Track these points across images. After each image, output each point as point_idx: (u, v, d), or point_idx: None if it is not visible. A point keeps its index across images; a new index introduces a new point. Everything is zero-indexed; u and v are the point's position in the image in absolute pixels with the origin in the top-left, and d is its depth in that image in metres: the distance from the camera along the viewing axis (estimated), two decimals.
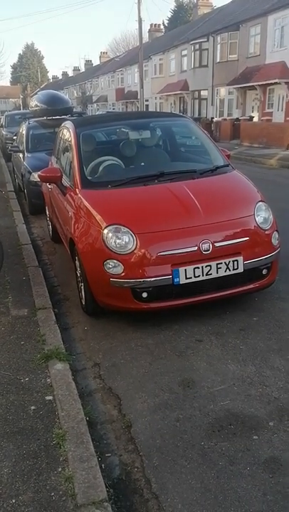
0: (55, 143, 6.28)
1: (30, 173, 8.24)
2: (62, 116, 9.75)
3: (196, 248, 3.71)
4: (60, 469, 2.38)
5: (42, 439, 2.60)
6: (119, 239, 3.74)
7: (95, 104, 51.68)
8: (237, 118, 25.05)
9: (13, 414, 2.81)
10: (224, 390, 3.07)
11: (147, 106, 37.17)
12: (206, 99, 30.38)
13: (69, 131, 5.08)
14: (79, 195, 4.31)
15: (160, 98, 37.52)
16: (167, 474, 2.44)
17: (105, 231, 3.78)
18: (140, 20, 28.10)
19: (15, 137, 13.47)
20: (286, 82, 21.96)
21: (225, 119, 26.23)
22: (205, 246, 3.72)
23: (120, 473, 2.50)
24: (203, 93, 30.79)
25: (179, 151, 5.45)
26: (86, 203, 4.15)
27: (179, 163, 5.06)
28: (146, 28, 46.20)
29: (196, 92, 31.57)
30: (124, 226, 3.77)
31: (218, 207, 4.05)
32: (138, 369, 3.39)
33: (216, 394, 3.03)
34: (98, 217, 3.94)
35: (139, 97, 32.59)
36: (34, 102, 10.42)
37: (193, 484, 2.36)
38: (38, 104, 9.97)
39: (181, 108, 34.27)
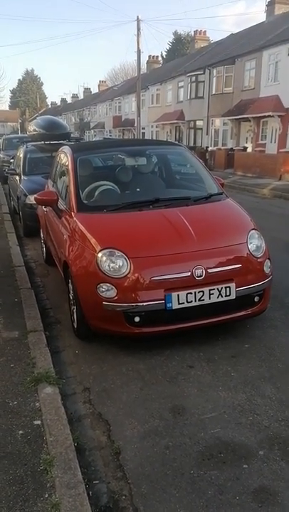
0: (52, 167, 6.35)
1: (26, 195, 8.30)
2: (60, 141, 9.91)
3: (189, 274, 3.73)
4: (46, 495, 2.32)
5: (29, 464, 2.55)
6: (113, 262, 3.76)
7: (92, 131, 52.48)
8: (231, 148, 25.51)
9: (0, 438, 2.76)
10: (215, 417, 3.04)
11: (144, 134, 37.77)
12: (202, 129, 30.96)
13: (66, 156, 5.16)
14: (74, 218, 4.35)
15: (156, 126, 38.20)
16: (156, 503, 2.40)
17: (99, 254, 3.80)
18: (139, 52, 28.82)
19: (12, 160, 13.63)
20: (279, 116, 22.49)
21: (219, 149, 26.70)
22: (198, 272, 3.74)
23: (108, 501, 2.45)
24: (199, 123, 31.40)
25: (174, 179, 5.53)
26: (81, 227, 4.18)
27: (174, 190, 5.13)
28: (144, 59, 47.30)
29: (192, 122, 32.18)
30: (118, 250, 3.79)
31: (211, 233, 4.09)
32: (128, 394, 3.36)
33: (207, 421, 3.00)
34: (93, 240, 3.97)
35: (136, 125, 33.17)
36: (33, 127, 10.58)
37: None
38: (37, 129, 10.11)
39: (177, 137, 34.85)
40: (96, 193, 4.77)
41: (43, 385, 3.31)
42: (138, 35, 28.11)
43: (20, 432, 2.82)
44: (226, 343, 4.04)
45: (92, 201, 4.61)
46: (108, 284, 3.71)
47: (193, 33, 42.45)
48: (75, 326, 4.23)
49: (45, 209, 5.70)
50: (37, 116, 65.58)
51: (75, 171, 4.75)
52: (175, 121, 33.76)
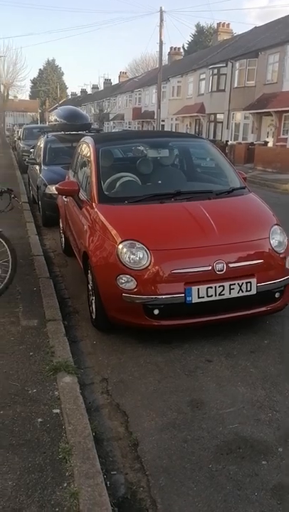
0: (73, 157, 6.35)
1: (45, 185, 8.32)
2: (80, 132, 9.91)
3: (210, 268, 3.70)
4: (65, 484, 2.34)
5: (48, 452, 2.56)
6: (134, 254, 3.74)
7: (112, 122, 52.38)
8: (252, 142, 25.21)
9: (19, 425, 2.78)
10: (233, 412, 3.02)
11: (163, 126, 37.55)
12: (222, 122, 30.66)
13: (88, 147, 5.14)
14: (95, 209, 4.34)
15: (176, 119, 37.94)
16: (173, 496, 2.39)
17: (120, 246, 3.78)
18: (161, 43, 28.66)
19: (32, 150, 13.68)
20: None
21: (240, 143, 26.42)
22: (219, 266, 3.71)
23: (125, 492, 2.45)
24: (219, 116, 31.09)
25: (195, 172, 5.48)
26: (102, 218, 4.18)
27: (196, 183, 5.08)
28: (166, 50, 46.99)
29: (212, 115, 31.88)
30: (139, 242, 3.77)
31: (233, 228, 4.05)
32: (146, 386, 3.35)
33: (225, 416, 2.98)
34: (113, 231, 3.95)
35: (155, 117, 33.00)
36: (53, 117, 10.59)
37: (200, 507, 2.30)
38: (58, 119, 10.12)
39: (197, 130, 34.57)
40: (117, 185, 4.75)
41: (62, 374, 3.32)
42: (161, 26, 27.93)
43: (40, 419, 2.84)
44: (246, 339, 4.00)
45: (113, 192, 4.60)
46: (128, 276, 3.70)
47: (216, 26, 41.97)
48: (94, 317, 4.24)
49: (65, 199, 5.71)
50: (57, 106, 65.77)
51: (97, 161, 4.73)
52: (195, 114, 33.48)
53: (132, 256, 3.74)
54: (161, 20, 28.26)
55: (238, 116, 28.41)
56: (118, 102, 52.99)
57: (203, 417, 2.98)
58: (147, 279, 3.67)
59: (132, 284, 3.69)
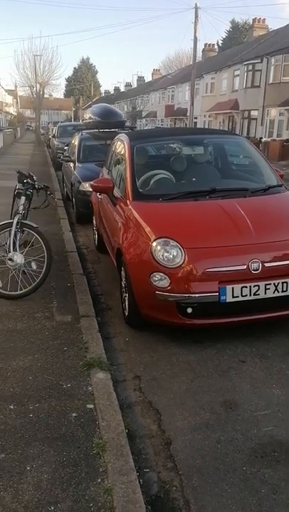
0: (107, 154, 6.37)
1: (79, 182, 8.39)
2: (113, 130, 9.95)
3: (245, 267, 3.65)
4: (99, 480, 2.35)
5: (82, 447, 2.58)
6: (168, 252, 3.72)
7: (144, 119, 52.43)
8: (287, 139, 24.76)
9: (54, 419, 2.81)
10: (268, 415, 2.97)
11: (196, 123, 37.31)
12: (256, 119, 30.25)
13: (123, 144, 5.15)
14: (129, 206, 4.35)
15: (209, 116, 37.66)
16: (207, 497, 2.37)
17: (154, 244, 3.77)
18: (195, 40, 28.46)
19: (66, 147, 13.83)
20: None
21: (274, 140, 26.00)
22: (254, 265, 3.65)
23: (158, 491, 2.44)
24: (253, 113, 30.69)
25: (231, 169, 5.40)
26: (136, 215, 4.18)
27: (231, 181, 5.00)
28: (200, 47, 46.57)
29: (246, 112, 31.49)
30: (173, 240, 3.75)
31: (269, 227, 3.98)
32: (179, 385, 3.34)
33: (260, 418, 2.94)
34: (147, 229, 3.95)
35: (188, 114, 32.83)
36: (88, 114, 10.67)
37: (234, 510, 2.27)
38: (92, 117, 10.18)
39: (230, 127, 34.21)
40: (151, 182, 4.74)
41: (95, 370, 3.34)
42: (195, 22, 27.73)
43: (74, 414, 2.86)
44: (280, 340, 3.93)
45: (148, 190, 4.59)
46: (161, 274, 3.68)
47: (251, 21, 41.35)
48: (126, 314, 4.25)
49: (99, 196, 5.74)
50: (91, 104, 66.23)
51: (132, 159, 4.74)
52: (229, 111, 33.13)
53: (165, 254, 3.72)
54: (196, 16, 28.04)
55: (273, 112, 27.96)
56: (151, 100, 52.97)
57: (237, 419, 2.95)
58: (181, 277, 3.65)
59: (165, 282, 3.67)
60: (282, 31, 32.55)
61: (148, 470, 2.58)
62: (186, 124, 40.81)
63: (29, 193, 4.83)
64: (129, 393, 3.29)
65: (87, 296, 4.80)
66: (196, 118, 36.44)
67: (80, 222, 8.66)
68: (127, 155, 4.83)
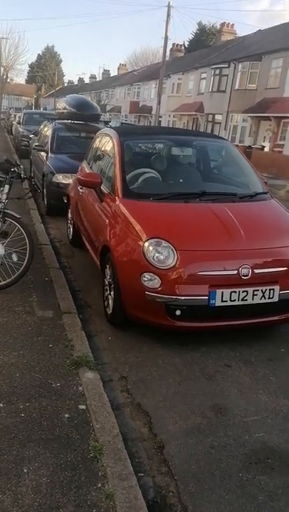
0: (89, 148, 6.24)
1: (52, 174, 8.17)
2: (88, 123, 9.79)
3: (235, 272, 3.68)
4: (99, 485, 2.29)
5: (79, 450, 2.51)
6: (159, 253, 3.69)
7: (108, 114, 52.01)
8: (249, 146, 25.31)
9: (47, 419, 2.72)
10: (258, 421, 3.01)
11: (160, 122, 37.42)
12: (220, 123, 30.73)
13: (112, 140, 5.05)
14: (119, 203, 4.27)
15: (174, 116, 37.86)
16: (205, 503, 2.37)
17: (146, 244, 3.73)
18: (166, 38, 28.49)
19: (32, 135, 13.46)
20: None
21: (237, 145, 26.45)
22: (244, 271, 3.68)
23: (155, 496, 2.42)
24: (218, 117, 31.16)
25: (218, 173, 5.44)
26: (126, 213, 4.11)
27: (220, 185, 5.04)
28: (168, 46, 46.54)
29: (211, 116, 31.94)
30: (165, 240, 3.72)
31: (259, 233, 4.03)
32: (167, 388, 3.32)
33: (250, 424, 2.97)
34: (139, 228, 3.90)
35: (153, 113, 32.86)
36: (62, 104, 10.41)
37: None
38: (67, 107, 9.96)
39: (194, 129, 34.55)
40: (139, 180, 4.69)
41: (84, 369, 3.27)
42: (167, 21, 27.74)
43: (67, 415, 2.78)
44: (262, 345, 4.00)
45: (137, 188, 4.53)
46: (152, 274, 3.65)
47: (218, 26, 41.88)
48: (110, 312, 4.18)
49: (81, 190, 5.61)
50: (54, 92, 64.89)
51: (122, 155, 4.66)
52: (194, 113, 33.48)
53: (156, 254, 3.69)
54: (168, 15, 28.06)
55: (237, 118, 28.51)
56: (116, 95, 52.66)
57: (228, 424, 2.97)
58: (172, 279, 3.63)
59: (156, 283, 3.64)
60: (250, 38, 33.17)
61: (142, 474, 2.54)
62: (150, 122, 40.90)
63: (11, 182, 4.65)
64: (117, 394, 3.23)
65: (67, 291, 4.69)
66: (160, 117, 36.52)
67: (50, 214, 8.45)
68: (116, 151, 4.74)
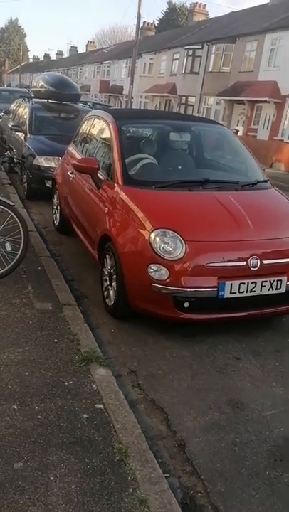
0: (78, 131, 5.99)
1: (33, 156, 7.87)
2: (67, 102, 9.47)
3: (244, 263, 3.61)
4: (131, 490, 2.20)
5: (104, 453, 2.40)
6: (166, 244, 3.57)
7: None
8: None
9: (65, 421, 2.59)
10: (276, 415, 2.98)
11: (131, 103, 36.83)
12: (193, 105, 30.47)
13: (106, 123, 4.85)
14: (119, 190, 4.11)
15: (146, 97, 37.32)
16: (236, 503, 2.32)
17: (152, 234, 3.59)
18: (139, 16, 27.92)
19: (2, 114, 12.93)
20: (275, 102, 22.34)
21: None
22: (253, 262, 3.62)
23: (183, 497, 2.35)
24: (191, 99, 30.88)
25: (218, 160, 5.31)
26: (128, 201, 3.96)
27: (220, 173, 4.89)
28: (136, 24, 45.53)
29: (184, 98, 31.61)
30: (172, 231, 3.60)
31: (267, 223, 3.97)
32: (179, 382, 3.24)
33: (269, 419, 2.94)
34: (143, 217, 3.76)
35: (125, 93, 32.24)
36: (39, 82, 9.99)
37: None
38: (45, 85, 9.59)
39: (167, 110, 34.20)
40: (137, 166, 4.52)
41: (94, 365, 3.15)
42: None
43: (85, 415, 2.66)
44: (268, 336, 3.97)
45: (137, 174, 4.36)
46: (159, 265, 3.54)
47: (189, 6, 41.35)
48: (110, 304, 4.05)
49: (71, 175, 5.39)
50: (19, 68, 62.73)
51: (120, 140, 4.47)
52: (166, 95, 33.04)
53: (163, 245, 3.57)
54: None
55: (210, 101, 28.34)
56: (85, 73, 51.37)
57: (247, 419, 2.92)
58: (180, 270, 3.53)
59: (163, 274, 3.53)
60: (223, 19, 32.80)
61: (168, 475, 2.46)
62: (121, 103, 40.21)
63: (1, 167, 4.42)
64: (129, 390, 3.13)
65: (62, 282, 4.53)
66: (132, 97, 35.94)
67: (30, 198, 8.15)
68: (113, 136, 4.54)
